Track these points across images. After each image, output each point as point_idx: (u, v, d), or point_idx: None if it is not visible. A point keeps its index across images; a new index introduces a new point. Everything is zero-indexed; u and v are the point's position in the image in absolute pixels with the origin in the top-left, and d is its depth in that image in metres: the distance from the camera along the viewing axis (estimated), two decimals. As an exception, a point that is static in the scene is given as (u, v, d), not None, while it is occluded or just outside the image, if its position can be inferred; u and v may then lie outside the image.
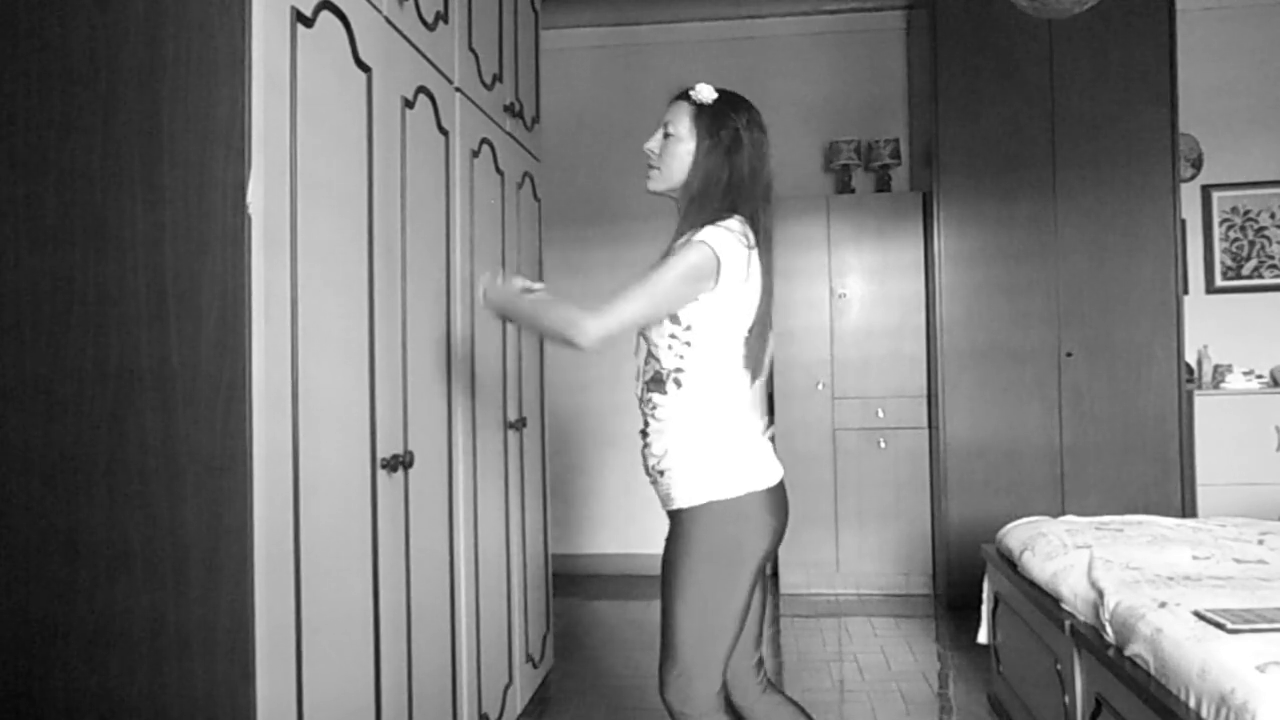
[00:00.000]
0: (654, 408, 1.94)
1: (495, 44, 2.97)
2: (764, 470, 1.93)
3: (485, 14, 2.87)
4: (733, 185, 1.91)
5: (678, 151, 1.93)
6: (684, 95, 1.95)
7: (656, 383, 1.94)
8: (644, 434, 1.99)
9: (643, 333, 1.95)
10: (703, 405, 1.91)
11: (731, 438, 1.92)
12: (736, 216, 1.89)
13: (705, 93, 1.93)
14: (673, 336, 1.91)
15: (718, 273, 1.84)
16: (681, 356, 1.91)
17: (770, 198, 1.97)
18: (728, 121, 1.91)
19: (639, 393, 1.99)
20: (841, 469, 4.83)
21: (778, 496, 1.94)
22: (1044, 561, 2.70)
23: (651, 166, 1.97)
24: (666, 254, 1.90)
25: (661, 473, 1.94)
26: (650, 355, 1.94)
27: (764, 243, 1.93)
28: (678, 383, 1.92)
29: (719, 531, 1.88)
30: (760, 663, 2.09)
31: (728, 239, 1.84)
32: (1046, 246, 4.47)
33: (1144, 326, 4.41)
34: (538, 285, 2.00)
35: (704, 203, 1.90)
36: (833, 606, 4.64)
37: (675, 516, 1.94)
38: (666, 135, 1.95)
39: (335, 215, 1.84)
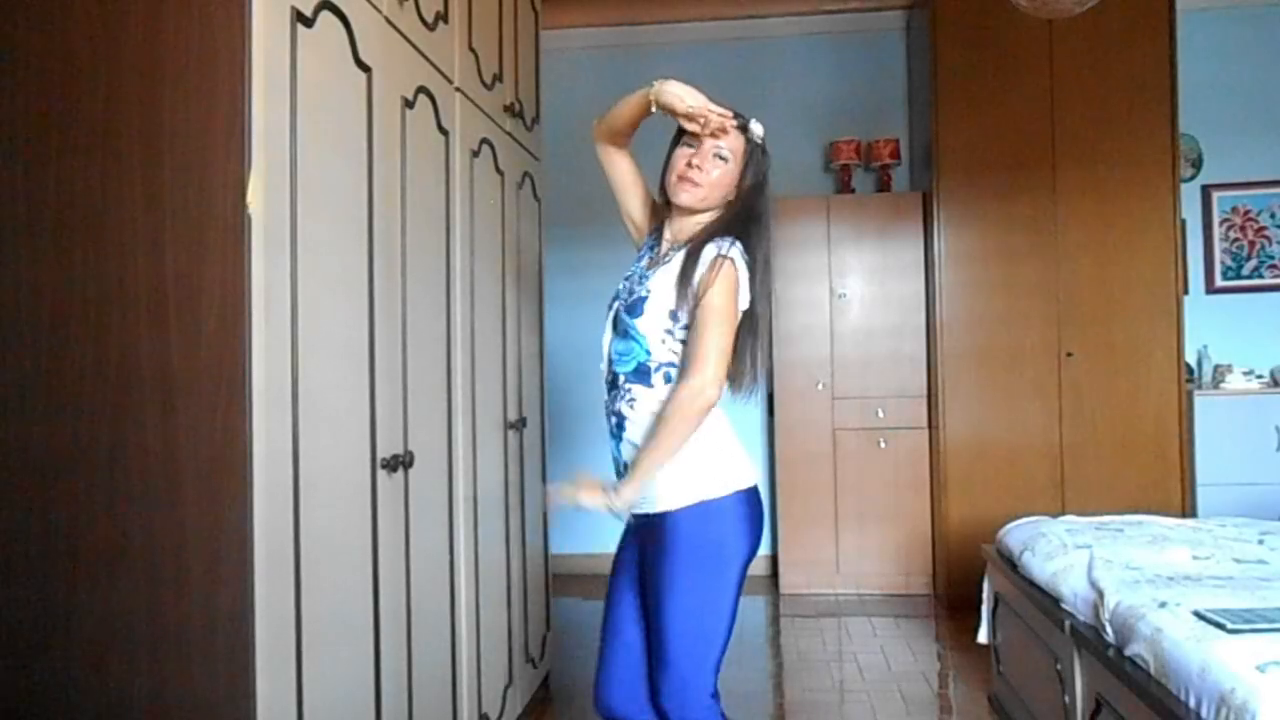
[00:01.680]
0: (633, 401, 1.94)
1: (495, 44, 2.97)
2: (745, 470, 1.94)
3: (485, 14, 2.87)
4: (763, 219, 1.98)
5: (725, 177, 1.96)
6: (741, 125, 1.96)
7: (640, 374, 1.93)
8: (618, 430, 1.97)
9: (629, 321, 1.94)
10: None
11: (715, 436, 1.92)
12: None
13: (759, 129, 1.98)
14: (668, 332, 1.92)
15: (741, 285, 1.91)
16: (675, 352, 1.92)
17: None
18: (766, 162, 2.00)
19: (611, 380, 1.98)
20: (841, 469, 4.83)
21: (756, 498, 1.95)
22: (1044, 561, 2.70)
23: (695, 184, 1.94)
24: (673, 257, 1.95)
25: None
26: (635, 345, 1.93)
27: (764, 272, 1.97)
28: (667, 377, 1.92)
29: (704, 533, 1.88)
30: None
31: (741, 257, 1.91)
32: (1046, 246, 4.47)
33: (1144, 326, 4.41)
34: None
35: (732, 229, 1.95)
36: (833, 606, 4.64)
37: (657, 520, 1.91)
38: (721, 159, 1.95)
39: (335, 215, 1.84)
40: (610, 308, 2.04)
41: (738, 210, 1.98)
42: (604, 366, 2.01)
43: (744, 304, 1.92)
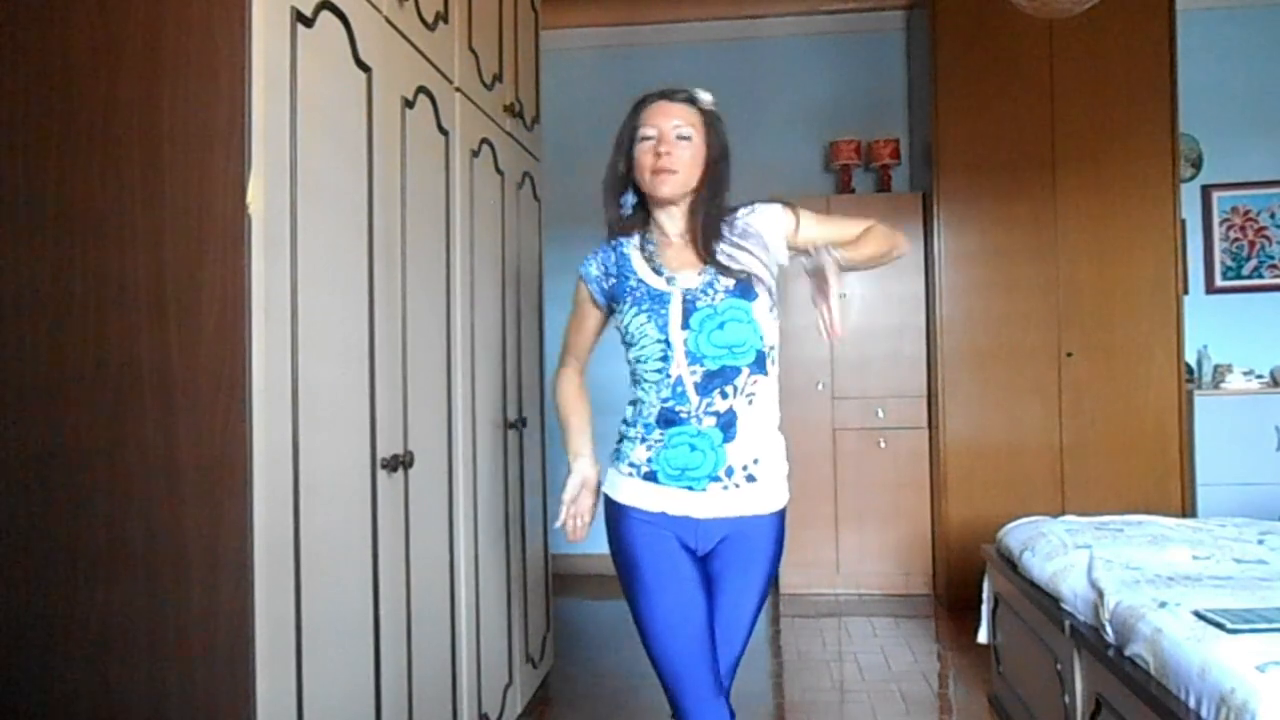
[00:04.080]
0: (752, 395, 1.82)
1: (495, 44, 2.97)
2: None
3: (485, 14, 2.87)
4: (727, 187, 1.97)
5: (694, 155, 1.88)
6: (688, 99, 1.90)
7: (760, 363, 1.84)
8: (726, 433, 1.81)
9: (744, 305, 1.83)
10: (777, 383, 1.93)
11: None
12: None
13: (709, 98, 1.93)
14: (771, 310, 1.90)
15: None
16: (774, 334, 1.91)
17: None
18: (723, 127, 1.95)
19: (709, 378, 1.80)
20: (841, 469, 4.83)
21: None
22: (1044, 561, 2.70)
23: (671, 171, 1.85)
24: (717, 243, 1.90)
25: (752, 478, 1.84)
26: (751, 331, 1.82)
27: None
28: (773, 360, 1.90)
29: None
30: None
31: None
32: (1046, 246, 4.47)
33: (1144, 326, 4.41)
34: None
35: (719, 204, 1.93)
36: (833, 606, 4.64)
37: (765, 520, 1.89)
38: (684, 138, 1.86)
39: (335, 215, 1.84)
40: (657, 307, 1.85)
41: (715, 187, 1.91)
42: (683, 367, 1.82)
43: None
